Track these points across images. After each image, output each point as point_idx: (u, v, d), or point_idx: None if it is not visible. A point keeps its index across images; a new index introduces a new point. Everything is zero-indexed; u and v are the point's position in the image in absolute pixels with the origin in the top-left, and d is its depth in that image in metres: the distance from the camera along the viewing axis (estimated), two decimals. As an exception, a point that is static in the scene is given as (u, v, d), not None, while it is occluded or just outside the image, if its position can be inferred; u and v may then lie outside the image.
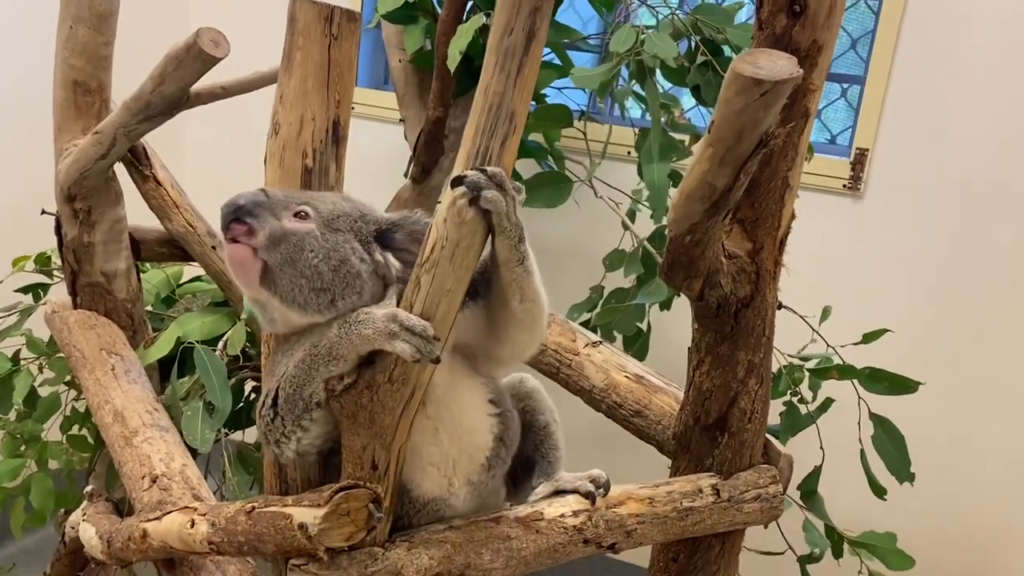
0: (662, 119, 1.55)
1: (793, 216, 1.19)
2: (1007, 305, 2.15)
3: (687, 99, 1.83)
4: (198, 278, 2.07)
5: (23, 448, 1.75)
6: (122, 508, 1.44)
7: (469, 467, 1.01)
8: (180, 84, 1.31)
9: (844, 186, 2.15)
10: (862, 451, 1.67)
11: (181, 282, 2.07)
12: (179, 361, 1.63)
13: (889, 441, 1.67)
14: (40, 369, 1.84)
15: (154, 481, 1.28)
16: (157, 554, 1.09)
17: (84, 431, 1.82)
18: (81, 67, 1.52)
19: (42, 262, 1.94)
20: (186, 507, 1.03)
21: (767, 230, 1.16)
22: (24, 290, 1.96)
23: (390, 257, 0.93)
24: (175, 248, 1.81)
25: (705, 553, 1.29)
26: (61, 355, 1.81)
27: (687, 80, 1.50)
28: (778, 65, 0.77)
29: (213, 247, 1.78)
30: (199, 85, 1.36)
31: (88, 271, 1.67)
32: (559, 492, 1.14)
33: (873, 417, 1.65)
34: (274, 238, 0.89)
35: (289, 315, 0.92)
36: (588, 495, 1.13)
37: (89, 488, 1.44)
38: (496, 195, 0.83)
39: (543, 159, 1.98)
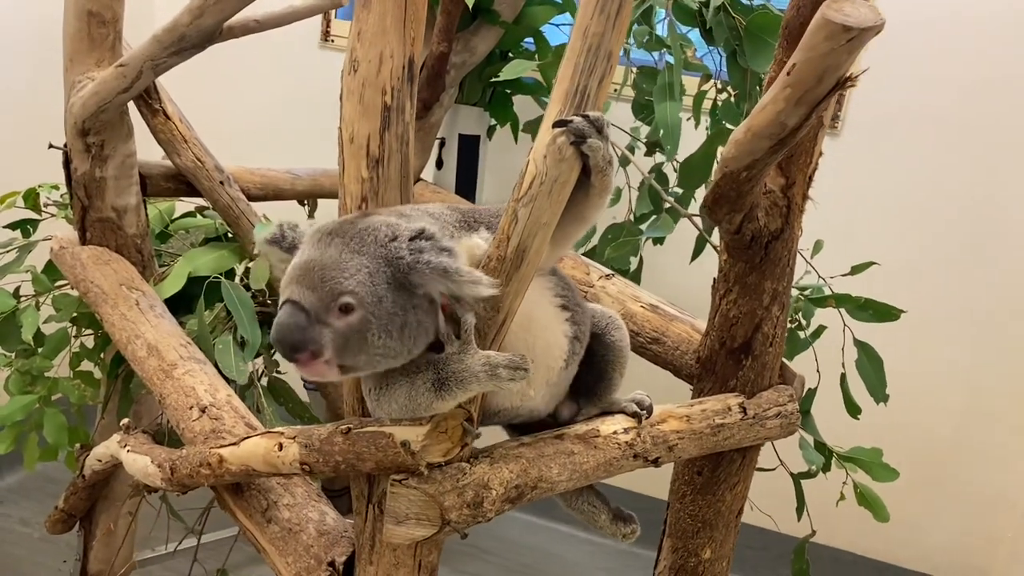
0: (672, 60, 1.61)
1: (820, 153, 1.27)
2: (967, 238, 2.32)
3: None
4: (190, 213, 2.07)
5: (32, 385, 1.75)
6: (159, 439, 1.47)
7: (547, 375, 1.08)
8: (219, 17, 1.31)
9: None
10: (843, 374, 1.80)
11: (173, 217, 2.06)
12: (201, 294, 1.64)
13: (870, 365, 1.80)
14: (38, 306, 1.83)
15: (203, 411, 1.32)
16: (233, 478, 1.14)
17: (94, 367, 1.82)
18: (96, -3, 1.49)
19: (31, 200, 1.91)
20: (269, 432, 1.08)
21: (800, 166, 1.24)
22: (12, 226, 1.92)
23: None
24: (181, 183, 1.81)
25: (727, 467, 1.40)
26: (66, 291, 1.81)
27: (709, 22, 1.55)
28: (862, 13, 0.84)
29: (221, 182, 1.79)
30: (233, 18, 1.36)
31: (99, 206, 1.67)
32: (605, 413, 1.22)
33: (857, 343, 1.77)
34: (337, 346, 0.89)
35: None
36: (634, 415, 1.21)
37: (126, 420, 1.47)
38: (598, 142, 0.88)
39: (542, 96, 2.02)
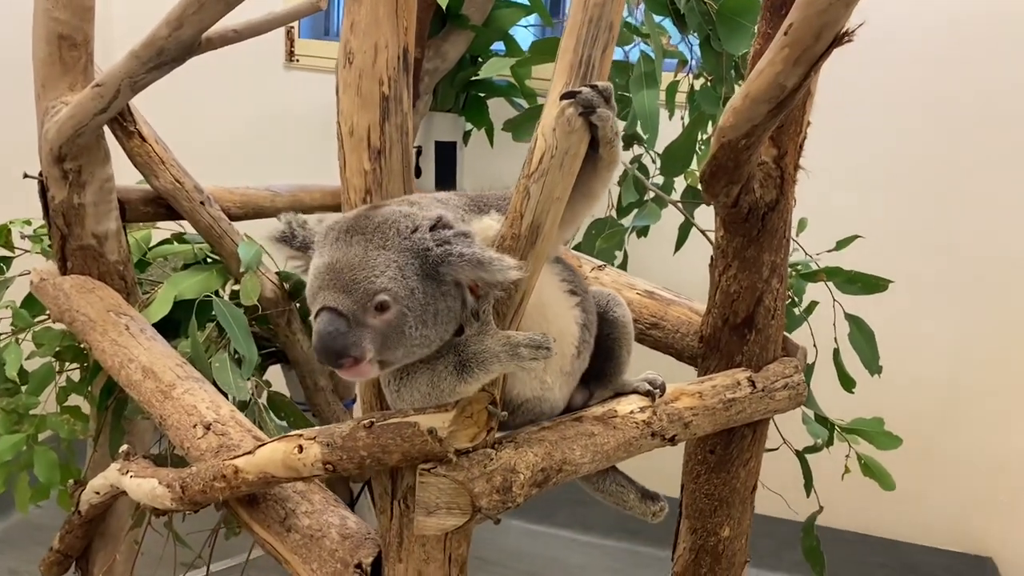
0: (650, 48, 1.63)
1: (808, 123, 1.29)
2: (948, 210, 2.37)
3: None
4: (167, 240, 2.04)
5: (19, 424, 1.70)
6: (160, 463, 1.44)
7: (561, 362, 1.08)
8: (198, 28, 1.29)
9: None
10: (835, 349, 1.82)
11: (150, 245, 2.03)
12: (192, 316, 1.62)
13: (862, 338, 1.83)
14: (18, 342, 1.78)
15: (208, 428, 1.29)
16: (250, 488, 1.11)
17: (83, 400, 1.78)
18: (66, 20, 1.47)
19: (3, 237, 1.86)
20: (286, 436, 1.05)
21: (790, 136, 1.25)
22: (-17, 265, 1.88)
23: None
24: (160, 207, 1.78)
25: (739, 443, 1.40)
26: (48, 325, 1.77)
27: (682, 8, 1.57)
28: (857, -34, 0.85)
29: (201, 202, 1.77)
30: (210, 29, 1.34)
31: (79, 234, 1.63)
32: (618, 394, 1.22)
33: (848, 317, 1.79)
34: (379, 346, 0.89)
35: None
36: (648, 394, 1.21)
37: (125, 447, 1.43)
38: (607, 112, 0.88)
39: (515, 97, 2.03)
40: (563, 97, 0.88)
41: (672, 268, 2.03)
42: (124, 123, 1.64)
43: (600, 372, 1.21)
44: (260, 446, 1.08)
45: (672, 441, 1.23)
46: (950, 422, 2.48)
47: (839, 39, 0.91)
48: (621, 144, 0.95)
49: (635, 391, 1.22)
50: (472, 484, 0.95)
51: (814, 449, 1.69)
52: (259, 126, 2.68)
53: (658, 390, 1.22)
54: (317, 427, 1.03)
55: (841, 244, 1.80)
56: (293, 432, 1.06)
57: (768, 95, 0.99)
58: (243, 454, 1.10)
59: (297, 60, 2.60)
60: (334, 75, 2.69)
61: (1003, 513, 2.48)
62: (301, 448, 1.02)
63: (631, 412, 1.17)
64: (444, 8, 1.80)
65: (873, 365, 1.82)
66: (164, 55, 1.34)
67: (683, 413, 1.23)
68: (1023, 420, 2.43)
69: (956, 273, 2.42)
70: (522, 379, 1.05)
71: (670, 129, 1.90)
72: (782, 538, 2.37)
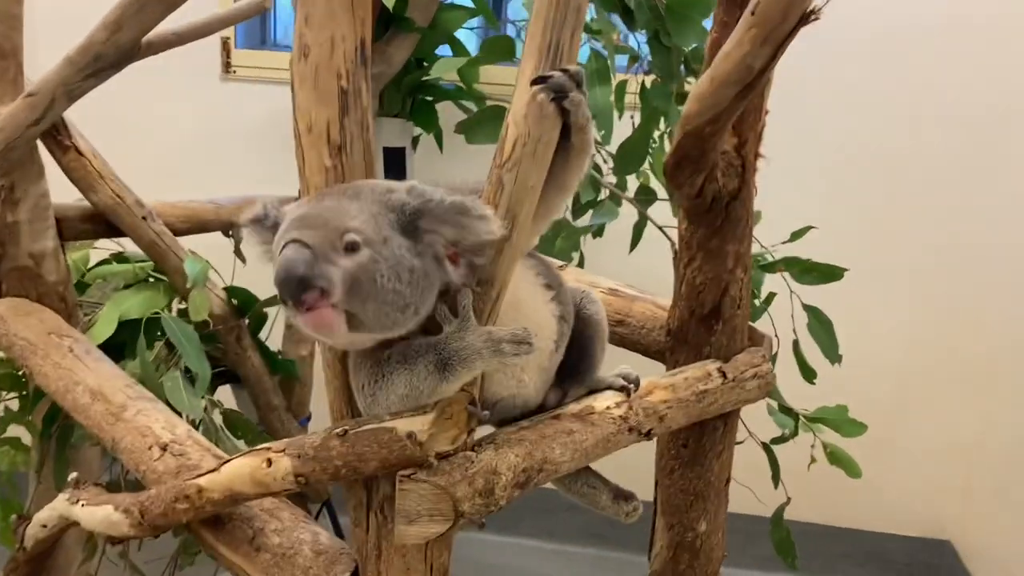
0: (600, 45, 1.62)
1: (767, 111, 1.28)
2: (897, 199, 2.42)
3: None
4: (105, 261, 1.96)
5: (-45, 459, 1.61)
6: (113, 490, 1.36)
7: (539, 358, 1.05)
8: (138, 31, 1.23)
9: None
10: (795, 340, 1.83)
11: (89, 266, 1.95)
12: (140, 334, 1.55)
13: (820, 328, 1.84)
14: (-52, 374, 1.68)
15: (164, 449, 1.23)
16: (215, 507, 1.05)
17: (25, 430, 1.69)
18: (-8, 28, 1.39)
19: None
20: (253, 450, 1.00)
21: (749, 124, 1.25)
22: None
23: (433, 237, 0.88)
24: (100, 224, 1.71)
25: (711, 435, 1.39)
26: (-18, 355, 1.67)
27: (631, 4, 1.57)
28: (822, -58, 0.85)
29: (144, 217, 1.70)
30: (151, 33, 1.29)
31: (13, 254, 1.55)
32: (592, 392, 1.20)
33: (806, 307, 1.80)
34: (347, 290, 0.83)
35: (377, 339, 0.90)
36: (622, 389, 1.19)
37: (74, 475, 1.35)
38: (579, 96, 0.86)
39: (462, 99, 2.01)
40: (534, 83, 0.86)
41: (627, 268, 2.02)
42: (58, 137, 1.56)
43: (574, 370, 1.18)
44: (224, 463, 1.03)
45: (648, 435, 1.21)
46: (905, 410, 2.52)
47: (806, 17, 0.90)
48: (593, 131, 0.93)
49: (610, 387, 1.19)
50: (454, 488, 0.91)
51: (781, 440, 1.69)
52: (198, 140, 2.61)
53: (633, 384, 1.20)
54: (285, 440, 0.99)
55: (795, 235, 1.81)
56: (260, 446, 1.01)
57: (735, 77, 0.98)
58: (207, 472, 1.05)
59: (234, 71, 2.53)
60: (273, 85, 2.64)
61: (960, 497, 2.53)
62: (270, 462, 0.97)
63: (607, 408, 1.15)
64: (390, 10, 1.77)
65: (833, 354, 1.83)
66: (102, 60, 1.27)
67: (658, 407, 1.22)
68: (975, 406, 2.48)
69: (906, 263, 2.47)
70: (499, 378, 1.02)
71: (620, 129, 1.90)
72: (746, 533, 2.37)
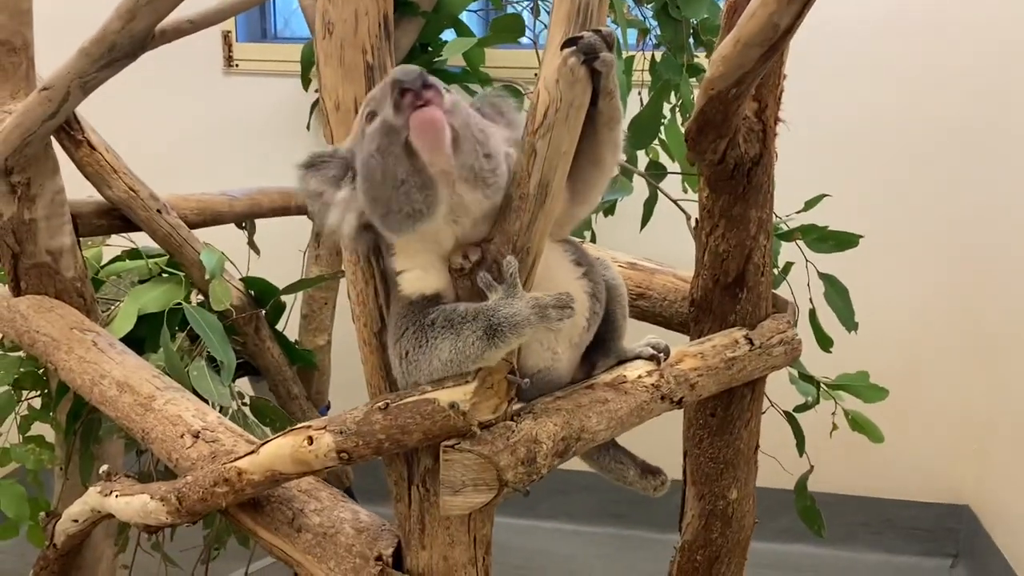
0: (610, 20, 1.62)
1: (785, 75, 1.28)
2: (911, 169, 2.42)
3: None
4: (118, 258, 1.95)
5: (-20, 458, 1.61)
6: (144, 481, 1.37)
7: (571, 332, 1.05)
8: (153, 19, 1.23)
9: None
10: (811, 309, 1.83)
11: (102, 264, 1.94)
12: (163, 325, 1.54)
13: (837, 296, 1.84)
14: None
15: (196, 436, 1.23)
16: (256, 489, 1.05)
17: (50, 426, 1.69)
18: (2, 24, 1.39)
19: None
20: (293, 430, 1.00)
21: (769, 88, 1.25)
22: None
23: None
24: (115, 219, 1.71)
25: (739, 403, 1.39)
26: (2, 352, 1.68)
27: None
28: None
29: (158, 210, 1.69)
30: (164, 21, 1.28)
31: (32, 251, 1.55)
32: (622, 361, 1.20)
33: (822, 276, 1.81)
34: (450, 104, 0.86)
35: (463, 195, 0.89)
36: (652, 358, 1.19)
37: (105, 467, 1.35)
38: (611, 56, 0.86)
39: (469, 82, 2.00)
40: (565, 45, 0.86)
41: (639, 246, 2.01)
42: (71, 132, 1.56)
43: (600, 340, 1.18)
44: (263, 444, 1.03)
45: (680, 404, 1.21)
46: (920, 377, 2.53)
47: (832, -27, 0.90)
48: (619, 96, 0.93)
49: (639, 357, 1.19)
50: (498, 457, 0.92)
51: (804, 407, 1.69)
52: (201, 134, 2.60)
53: (662, 353, 1.20)
54: (324, 417, 0.99)
55: (809, 204, 1.81)
56: (299, 425, 1.01)
57: (761, 37, 0.97)
58: (246, 454, 1.05)
59: (236, 65, 2.53)
60: (275, 78, 2.63)
61: (977, 462, 2.54)
62: (311, 440, 0.97)
63: (639, 377, 1.15)
64: None
65: (850, 322, 1.83)
66: (116, 51, 1.27)
67: (688, 375, 1.22)
68: (990, 371, 2.49)
69: (920, 231, 2.47)
70: (535, 349, 1.02)
71: (628, 106, 1.90)
72: (765, 507, 2.37)
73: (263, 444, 1.03)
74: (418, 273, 0.94)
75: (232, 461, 1.06)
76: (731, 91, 1.07)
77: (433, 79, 0.86)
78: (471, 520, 1.00)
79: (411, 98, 0.83)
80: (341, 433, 0.95)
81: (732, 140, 1.20)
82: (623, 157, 1.00)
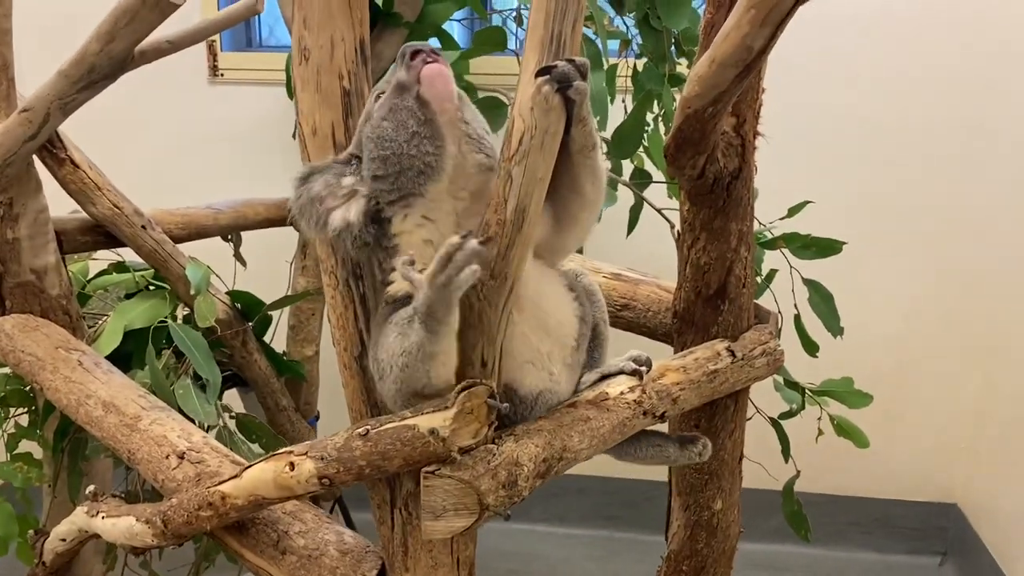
0: (591, 31, 1.62)
1: (763, 89, 1.29)
2: (894, 173, 2.43)
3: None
4: (105, 271, 1.95)
5: (-33, 477, 1.60)
6: (131, 501, 1.37)
7: (562, 353, 1.07)
8: (132, 40, 1.22)
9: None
10: (796, 315, 1.84)
11: (88, 278, 1.94)
12: (148, 343, 1.55)
13: (821, 301, 1.85)
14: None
15: (181, 457, 1.23)
16: (240, 513, 1.06)
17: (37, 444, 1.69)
18: (-19, 44, 1.39)
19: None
20: (275, 455, 1.01)
21: (748, 103, 1.25)
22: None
23: None
24: (99, 235, 1.71)
25: (722, 414, 1.40)
26: (-12, 372, 1.67)
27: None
28: (817, -79, 0.85)
29: (143, 226, 1.69)
30: (143, 42, 1.28)
31: (16, 271, 1.55)
32: (604, 377, 1.20)
33: (806, 282, 1.81)
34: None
35: (466, 156, 0.96)
36: (634, 372, 1.19)
37: (91, 488, 1.36)
38: (584, 85, 0.87)
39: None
40: (538, 74, 0.86)
41: (626, 252, 2.02)
42: (54, 150, 1.56)
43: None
44: (247, 468, 1.03)
45: (663, 417, 1.22)
46: (908, 377, 2.54)
47: (804, -4, 0.91)
48: (595, 126, 0.94)
49: (621, 372, 1.20)
50: (478, 482, 0.92)
51: (789, 414, 1.70)
52: (187, 144, 2.59)
53: (644, 367, 1.20)
54: (306, 443, 0.99)
55: (793, 211, 1.82)
56: (281, 450, 1.01)
57: (735, 58, 0.98)
58: (230, 478, 1.05)
59: (221, 74, 2.52)
60: (261, 87, 2.62)
61: (965, 461, 2.56)
62: (293, 465, 0.98)
63: (621, 393, 1.16)
64: (378, 6, 1.76)
65: (835, 327, 1.84)
66: (95, 72, 1.27)
67: (671, 389, 1.22)
68: (977, 370, 2.50)
69: (904, 232, 2.48)
70: (531, 372, 1.04)
71: (611, 112, 1.90)
72: (756, 507, 2.39)
73: (246, 468, 1.04)
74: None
75: (216, 485, 1.07)
76: (708, 109, 1.07)
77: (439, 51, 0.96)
78: (454, 543, 1.01)
79: (422, 56, 0.94)
80: (322, 459, 0.95)
81: (711, 155, 1.21)
82: (603, 186, 1.00)
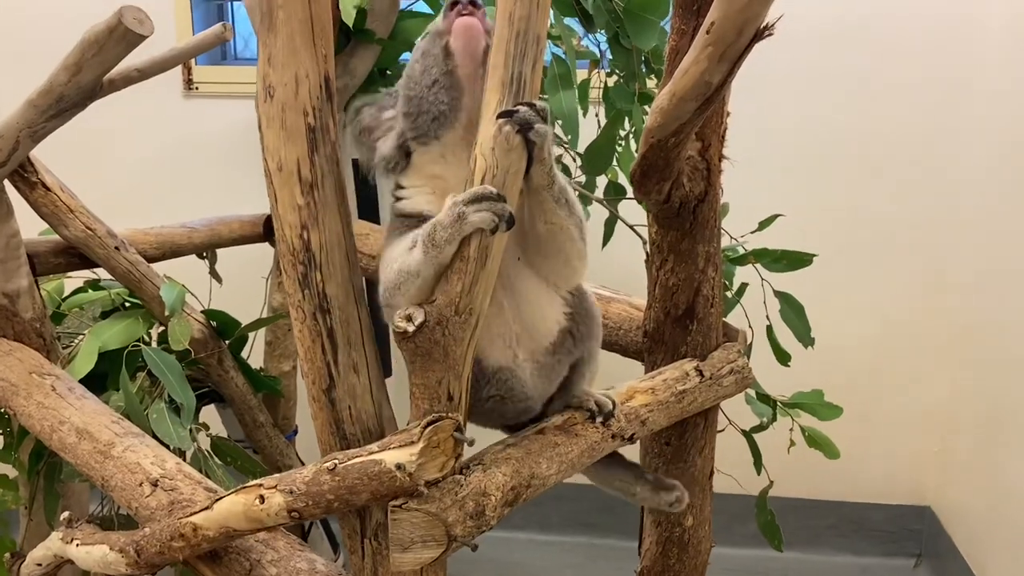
0: (561, 51, 1.63)
1: (728, 113, 1.31)
2: (860, 180, 2.46)
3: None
4: (81, 289, 1.95)
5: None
6: (106, 525, 1.37)
7: (532, 346, 1.08)
8: (99, 71, 1.23)
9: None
10: (768, 326, 1.86)
11: (64, 296, 1.94)
12: (122, 366, 1.55)
13: (792, 313, 1.87)
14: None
15: (155, 485, 1.23)
16: (212, 544, 1.07)
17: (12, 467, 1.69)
18: (-50, 71, 1.38)
19: None
20: (244, 487, 1.02)
21: (712, 128, 1.27)
22: None
23: None
24: (73, 256, 1.70)
25: (692, 432, 1.42)
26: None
27: (589, 9, 1.58)
28: (772, -38, 0.87)
29: (116, 247, 1.69)
30: (112, 70, 1.28)
31: (-13, 295, 1.54)
32: (569, 407, 1.21)
33: (778, 294, 1.84)
34: (490, 30, 0.96)
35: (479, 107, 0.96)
36: (590, 415, 1.18)
37: (67, 514, 1.36)
38: (545, 128, 0.88)
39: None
40: (499, 116, 0.88)
41: (601, 264, 2.04)
42: (25, 174, 1.56)
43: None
44: (217, 500, 1.04)
45: (631, 440, 1.24)
46: (880, 383, 2.58)
47: (760, 34, 0.92)
48: (556, 165, 0.95)
49: (580, 407, 1.19)
50: (445, 514, 0.94)
51: (760, 428, 1.72)
52: (162, 157, 2.59)
53: (601, 416, 1.17)
54: (276, 475, 1.00)
55: (763, 224, 1.84)
56: (251, 483, 1.02)
57: (695, 92, 1.00)
58: (201, 510, 1.06)
59: (196, 88, 2.52)
60: (236, 100, 2.62)
61: (937, 465, 2.60)
62: (263, 499, 0.98)
63: (590, 417, 1.17)
64: (348, 25, 1.77)
65: (806, 338, 1.86)
66: (64, 102, 1.27)
67: (639, 411, 1.24)
68: (947, 375, 2.54)
69: (871, 241, 2.51)
70: (498, 345, 1.05)
71: (585, 125, 1.91)
72: (733, 513, 2.42)
73: (217, 500, 1.05)
74: (421, 198, 1.04)
75: (187, 516, 1.07)
76: (670, 140, 1.09)
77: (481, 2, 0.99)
78: (423, 571, 1.02)
79: (459, 8, 0.98)
80: (291, 493, 0.96)
81: (676, 181, 1.23)
82: (574, 214, 1.02)
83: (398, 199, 1.07)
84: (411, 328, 0.92)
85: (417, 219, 1.01)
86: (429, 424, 0.92)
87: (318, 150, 1.00)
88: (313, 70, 0.99)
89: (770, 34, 0.93)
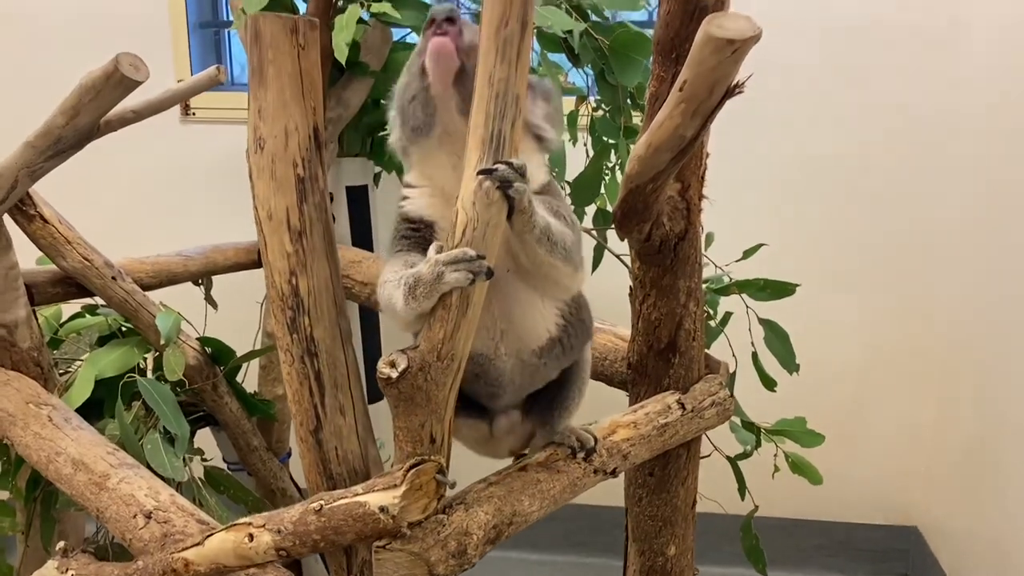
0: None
1: (707, 154, 1.35)
2: (844, 207, 2.49)
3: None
4: (78, 314, 1.98)
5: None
6: (101, 556, 1.40)
7: (517, 345, 1.09)
8: (96, 115, 1.26)
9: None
10: (754, 353, 1.90)
11: (61, 322, 1.97)
12: (118, 395, 1.58)
13: (777, 340, 1.91)
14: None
15: (148, 517, 1.26)
16: (201, 579, 1.10)
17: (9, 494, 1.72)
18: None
19: None
20: (234, 525, 1.05)
21: (692, 169, 1.31)
22: None
23: None
24: (70, 286, 1.73)
25: (675, 463, 1.45)
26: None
27: (576, 47, 1.62)
28: (740, 25, 0.90)
29: (113, 277, 1.72)
30: (109, 113, 1.32)
31: (-14, 326, 1.57)
32: (551, 443, 1.24)
33: (762, 322, 1.87)
34: (470, 45, 1.00)
35: (458, 124, 1.02)
36: (571, 449, 1.21)
37: (62, 544, 1.38)
38: (522, 185, 0.92)
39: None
40: (480, 173, 0.91)
41: (590, 291, 2.08)
42: (23, 207, 1.59)
43: (547, 405, 1.21)
44: (208, 536, 1.07)
45: (614, 474, 1.27)
46: (866, 405, 2.61)
47: (731, 92, 0.96)
48: (537, 216, 0.98)
49: (561, 443, 1.22)
50: (428, 554, 0.97)
51: (744, 456, 1.75)
52: (160, 182, 2.63)
53: (582, 453, 1.21)
54: (264, 514, 1.03)
55: (747, 253, 1.87)
56: (241, 521, 1.05)
57: (669, 145, 1.04)
58: (192, 546, 1.09)
59: (193, 113, 2.56)
60: (233, 125, 2.65)
61: (923, 485, 2.63)
62: (252, 537, 1.02)
63: (571, 453, 1.21)
64: (342, 64, 1.81)
65: (790, 365, 1.89)
66: (61, 143, 1.31)
67: (621, 445, 1.28)
68: (932, 396, 2.58)
69: (856, 266, 2.55)
70: (481, 335, 1.06)
71: (573, 154, 1.95)
72: (720, 532, 2.45)
73: (208, 536, 1.08)
74: (423, 200, 1.09)
75: (179, 551, 1.10)
76: (648, 185, 1.13)
77: (461, 17, 1.03)
78: (408, 607, 1.05)
79: (433, 28, 1.01)
80: (279, 532, 0.99)
81: (656, 221, 1.27)
82: (558, 247, 1.04)
83: (404, 198, 1.12)
84: (394, 374, 0.95)
85: (416, 226, 1.07)
86: (412, 467, 0.96)
87: (307, 199, 1.03)
88: (302, 123, 1.03)
89: (740, 92, 0.97)
